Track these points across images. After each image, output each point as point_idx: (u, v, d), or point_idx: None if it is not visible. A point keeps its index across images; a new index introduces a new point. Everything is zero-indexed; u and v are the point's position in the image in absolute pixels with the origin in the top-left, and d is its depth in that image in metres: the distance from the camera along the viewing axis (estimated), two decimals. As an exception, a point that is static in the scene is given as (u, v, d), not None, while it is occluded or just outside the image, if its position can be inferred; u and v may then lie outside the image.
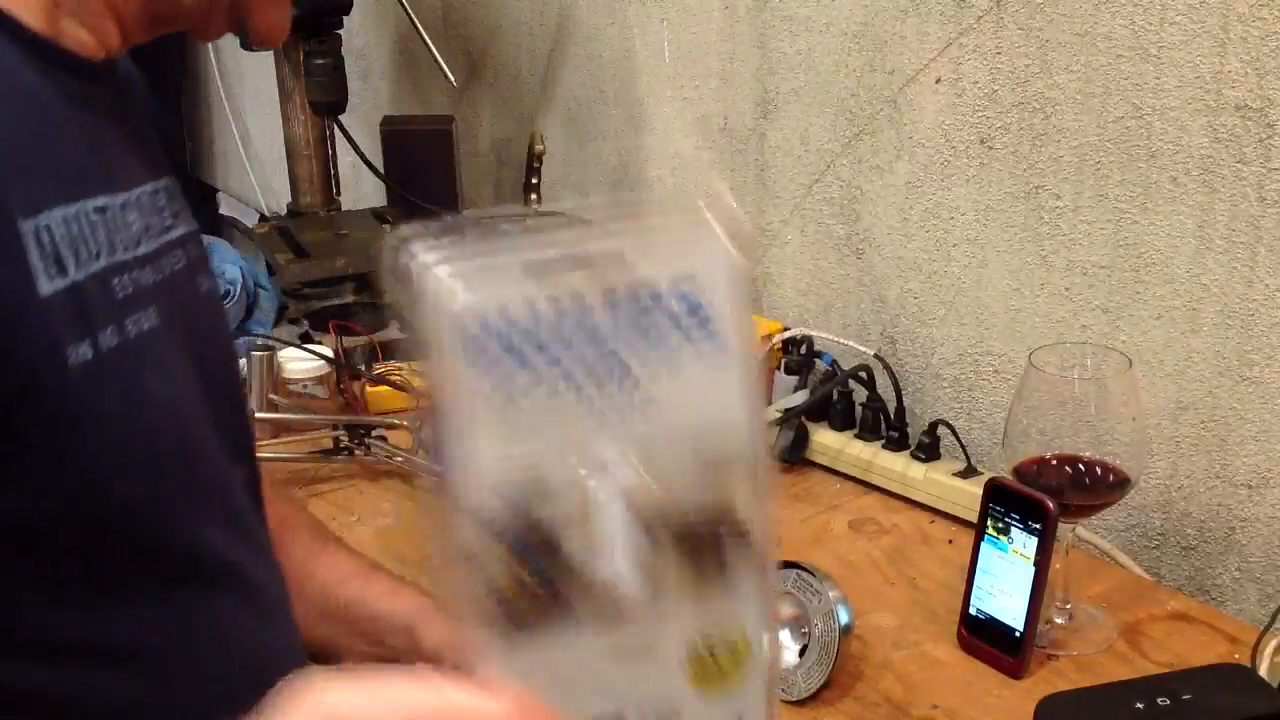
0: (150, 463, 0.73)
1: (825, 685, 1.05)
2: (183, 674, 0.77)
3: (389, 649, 0.95)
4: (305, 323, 1.77)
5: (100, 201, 0.73)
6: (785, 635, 1.07)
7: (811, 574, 1.06)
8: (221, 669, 0.80)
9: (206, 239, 1.85)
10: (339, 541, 1.06)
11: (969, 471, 1.31)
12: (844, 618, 1.05)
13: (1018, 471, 1.10)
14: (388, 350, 1.69)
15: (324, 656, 0.98)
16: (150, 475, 0.73)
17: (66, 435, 0.67)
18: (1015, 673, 1.08)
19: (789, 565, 1.08)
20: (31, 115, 0.71)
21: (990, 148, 1.34)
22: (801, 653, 1.06)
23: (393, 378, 1.58)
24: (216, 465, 0.81)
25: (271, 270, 1.84)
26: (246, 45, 0.85)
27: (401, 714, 0.55)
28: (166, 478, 0.75)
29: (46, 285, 0.67)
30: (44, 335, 0.66)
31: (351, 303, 1.80)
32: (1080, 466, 1.08)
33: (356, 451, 1.42)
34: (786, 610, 1.08)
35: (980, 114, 1.34)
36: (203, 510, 0.79)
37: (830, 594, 1.05)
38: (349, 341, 1.69)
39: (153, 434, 0.73)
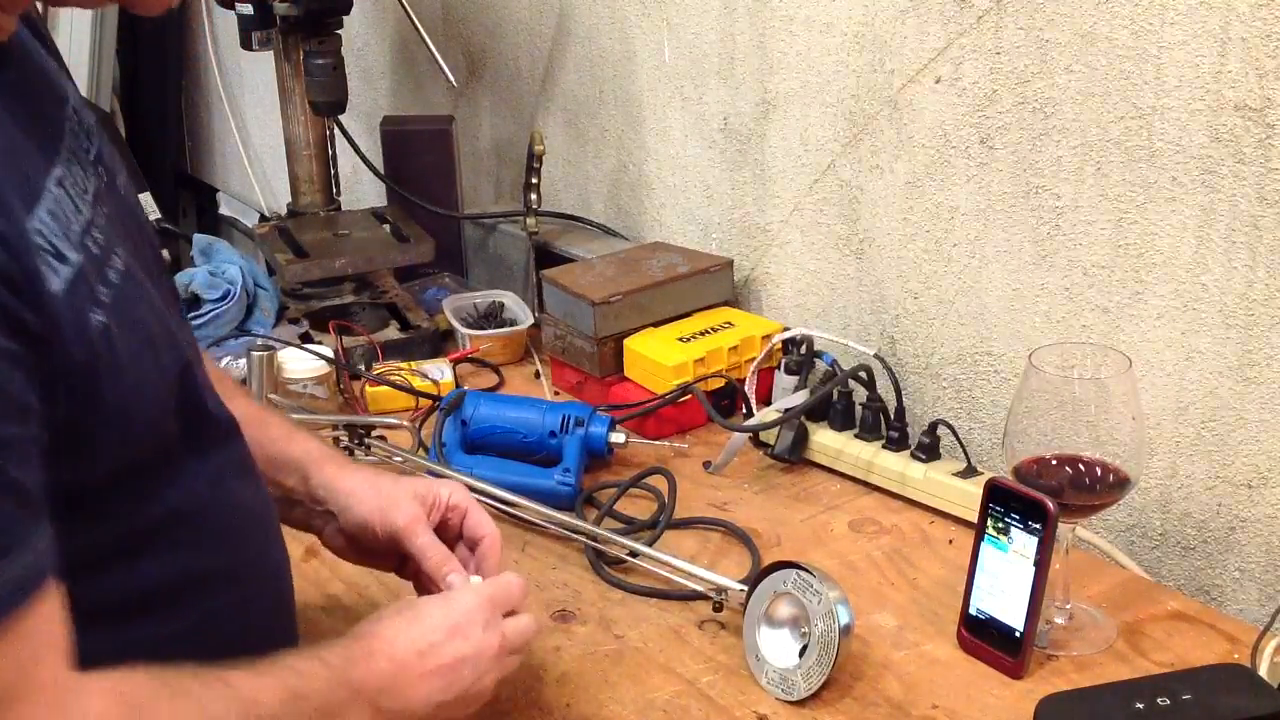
0: (160, 367, 0.85)
1: (825, 685, 1.05)
2: (213, 533, 0.91)
3: (284, 489, 1.06)
4: (305, 323, 1.77)
5: (58, 172, 0.80)
6: (785, 635, 1.07)
7: (811, 574, 1.06)
8: (236, 521, 0.94)
9: (207, 239, 1.87)
10: (236, 388, 1.13)
11: (969, 471, 1.31)
12: (844, 618, 1.05)
13: (1018, 471, 1.10)
14: (388, 350, 1.69)
15: None
16: (165, 375, 0.86)
17: (106, 383, 0.78)
18: (1015, 673, 1.08)
19: (789, 565, 1.08)
20: None
21: (990, 148, 1.34)
22: (801, 653, 1.06)
23: (392, 378, 1.58)
24: (184, 337, 0.92)
25: (271, 270, 1.84)
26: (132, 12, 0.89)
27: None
28: (172, 370, 0.87)
29: (56, 282, 0.74)
30: (68, 322, 0.75)
31: (351, 303, 1.80)
32: (1080, 466, 1.08)
33: (356, 452, 1.42)
34: (786, 610, 1.08)
35: (980, 114, 1.34)
36: (199, 383, 0.92)
37: (830, 594, 1.05)
38: (349, 341, 1.69)
39: (154, 348, 0.84)
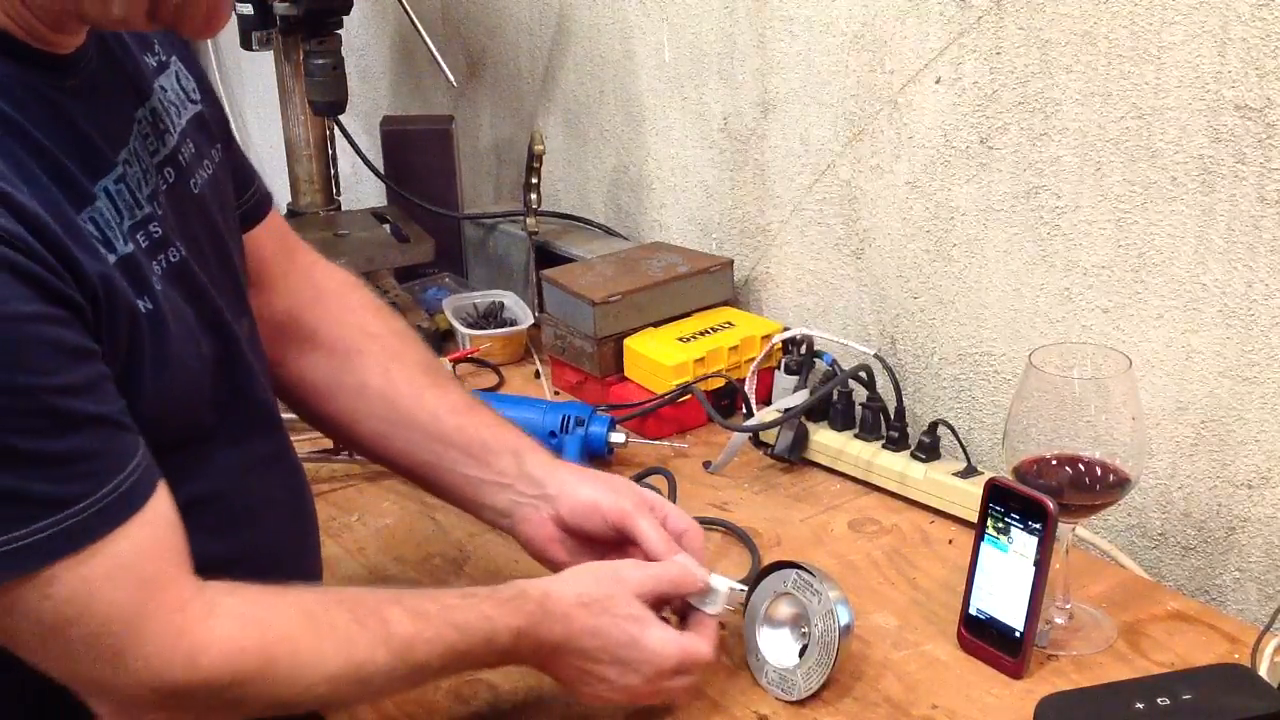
0: (200, 355, 0.90)
1: (825, 685, 1.05)
2: (232, 520, 0.95)
3: (495, 471, 1.08)
4: (305, 323, 1.77)
5: (117, 171, 0.87)
6: (785, 635, 1.07)
7: (811, 574, 1.06)
8: (258, 510, 0.97)
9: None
10: (450, 378, 1.18)
11: (969, 471, 1.31)
12: (844, 618, 1.05)
13: (1018, 471, 1.10)
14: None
15: (421, 476, 1.12)
16: (204, 362, 0.91)
17: (148, 366, 0.84)
18: (1015, 673, 1.08)
19: (789, 565, 1.08)
20: (57, 122, 0.83)
21: (990, 148, 1.34)
22: (801, 653, 1.06)
23: (393, 378, 1.58)
24: (236, 330, 0.97)
25: (271, 270, 1.83)
26: (186, 37, 0.95)
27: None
28: (212, 357, 0.92)
29: (106, 268, 0.81)
30: (124, 299, 0.82)
31: (351, 303, 1.79)
32: (1080, 466, 1.08)
33: (358, 453, 1.42)
34: (786, 610, 1.08)
35: (980, 114, 1.34)
36: (244, 370, 0.96)
37: (830, 594, 1.05)
38: (349, 341, 1.69)
39: (196, 337, 0.90)
